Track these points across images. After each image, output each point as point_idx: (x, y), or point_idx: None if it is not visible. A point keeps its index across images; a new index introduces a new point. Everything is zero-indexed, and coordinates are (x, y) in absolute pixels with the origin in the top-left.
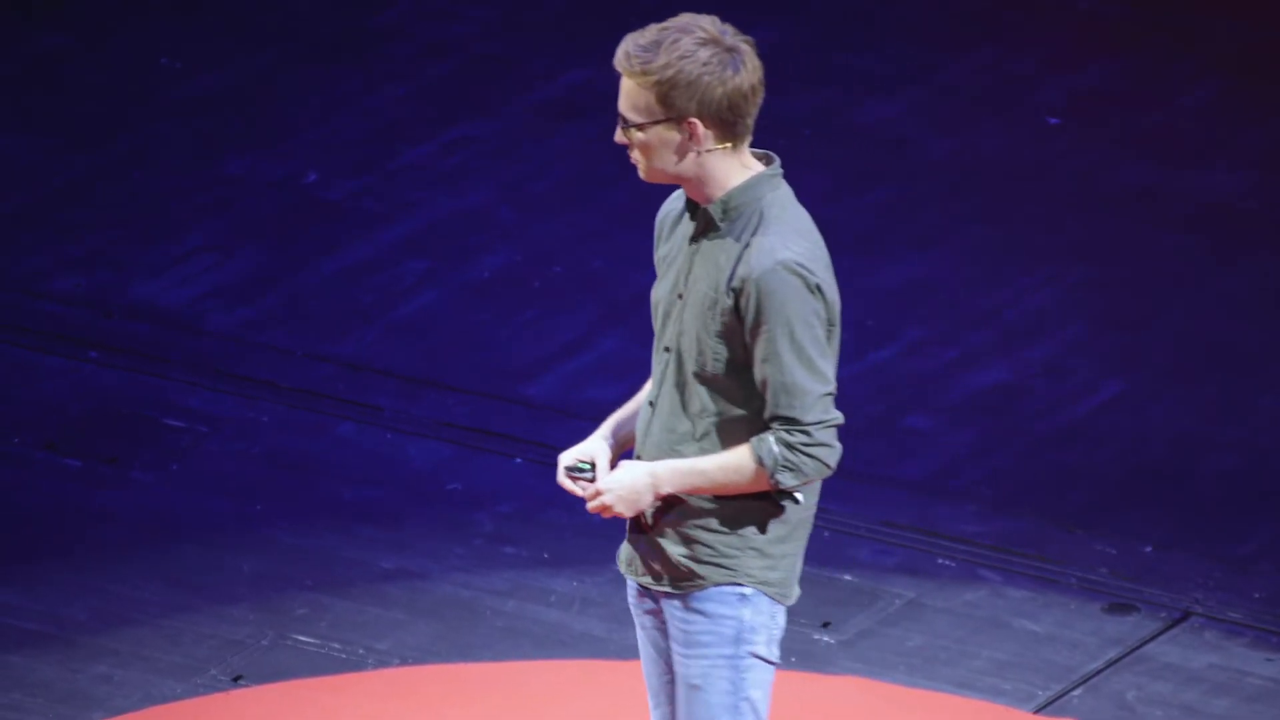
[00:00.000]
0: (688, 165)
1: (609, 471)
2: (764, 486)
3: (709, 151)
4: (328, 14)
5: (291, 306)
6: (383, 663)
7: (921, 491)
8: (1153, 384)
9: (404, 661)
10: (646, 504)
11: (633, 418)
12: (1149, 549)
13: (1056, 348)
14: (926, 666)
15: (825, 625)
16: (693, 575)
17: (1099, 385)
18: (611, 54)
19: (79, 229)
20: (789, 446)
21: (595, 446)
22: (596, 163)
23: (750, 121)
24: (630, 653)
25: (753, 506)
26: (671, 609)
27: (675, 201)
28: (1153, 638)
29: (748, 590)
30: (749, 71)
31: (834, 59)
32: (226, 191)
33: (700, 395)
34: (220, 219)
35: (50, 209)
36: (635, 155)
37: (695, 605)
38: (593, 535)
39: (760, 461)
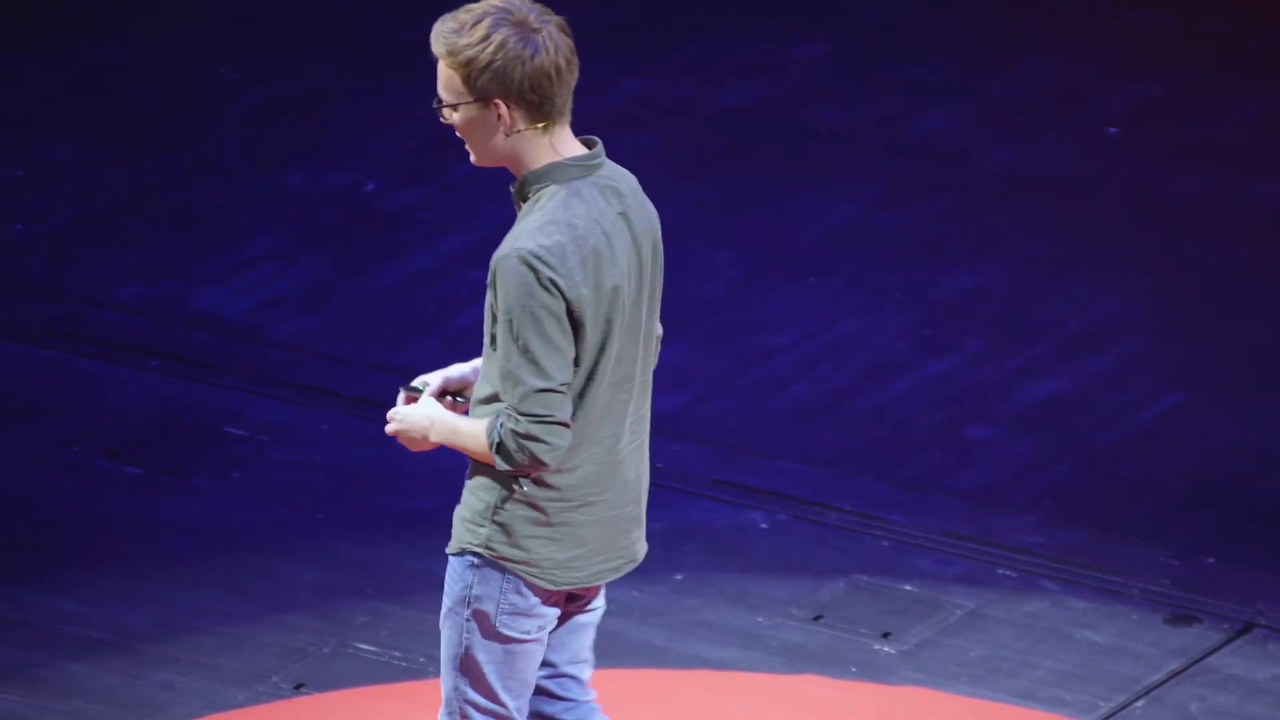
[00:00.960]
0: (504, 146)
1: (432, 389)
2: (490, 460)
3: (519, 133)
4: (386, 24)
5: (352, 316)
6: None
7: (982, 502)
8: (1214, 395)
9: None
10: (426, 447)
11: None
12: (1211, 560)
13: (1117, 358)
14: (988, 677)
15: (886, 635)
16: (454, 530)
17: (1160, 396)
18: (664, 64)
19: (140, 239)
20: (507, 430)
21: (450, 371)
22: (651, 174)
23: (560, 102)
24: (691, 662)
25: (494, 477)
26: None
27: None
28: (1216, 649)
29: (478, 560)
30: (551, 52)
31: (890, 70)
32: (286, 201)
33: (485, 369)
34: (280, 229)
35: (112, 219)
36: (463, 139)
37: (451, 557)
38: (653, 544)
39: (487, 435)
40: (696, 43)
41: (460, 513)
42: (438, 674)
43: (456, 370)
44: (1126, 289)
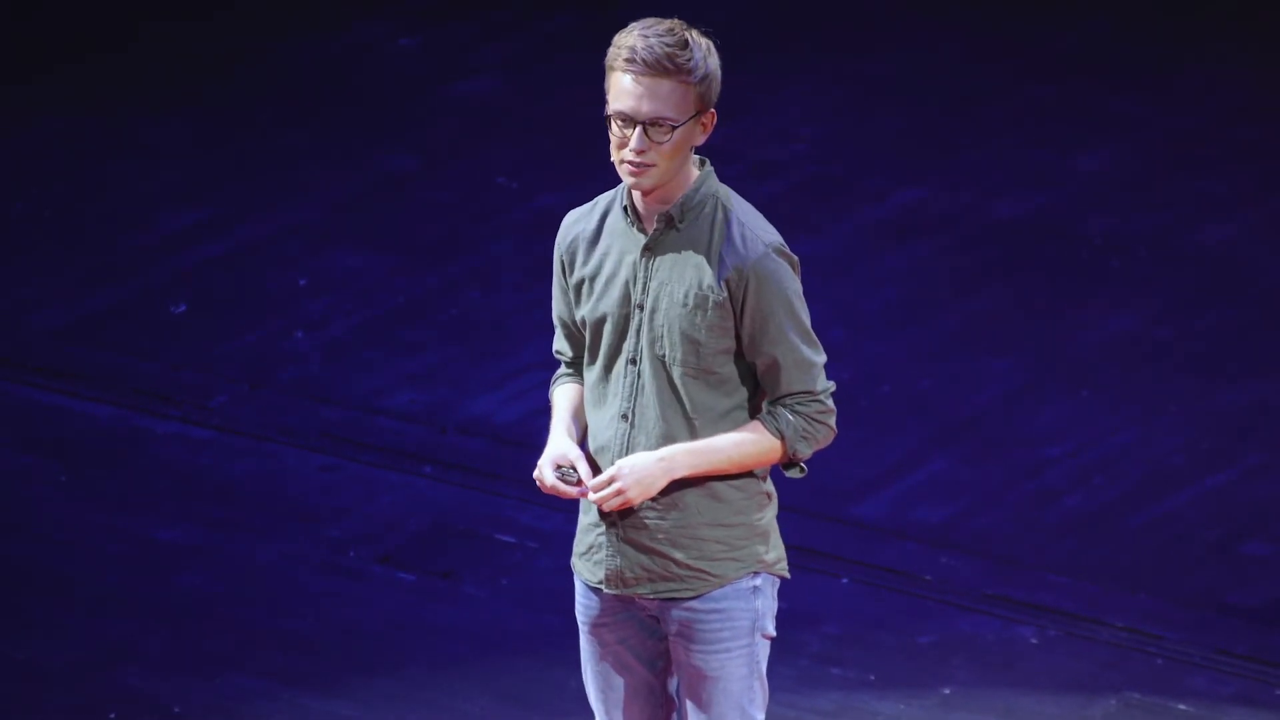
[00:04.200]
0: (685, 162)
1: (588, 470)
2: (775, 460)
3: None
4: None
5: None
6: None
7: (1259, 620)
8: None
9: None
10: (657, 489)
11: (577, 419)
12: None
13: None
14: None
15: None
16: (705, 574)
17: None
18: (943, 174)
19: (417, 347)
20: (805, 417)
21: (567, 449)
22: (927, 283)
23: None
24: None
25: (749, 491)
26: (677, 612)
27: (578, 224)
28: None
29: (758, 580)
30: None
31: (1172, 179)
32: None
33: (694, 395)
34: (553, 337)
35: (391, 326)
36: (652, 159)
37: (710, 600)
38: (921, 658)
39: (780, 435)
40: (973, 153)
41: (709, 551)
42: None
43: (569, 444)
44: None
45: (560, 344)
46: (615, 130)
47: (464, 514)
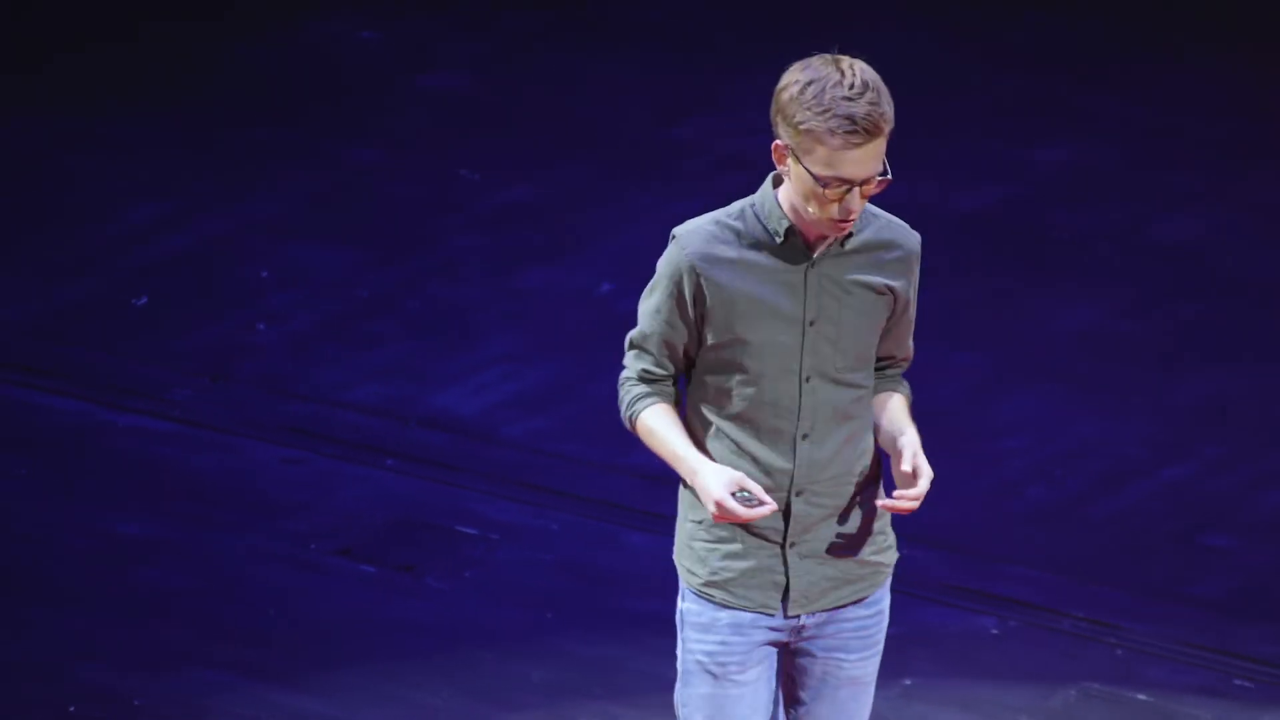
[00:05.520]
0: None
1: (758, 488)
2: None
3: None
4: (625, 128)
5: (585, 417)
6: None
7: (1220, 611)
8: None
9: None
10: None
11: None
12: None
13: None
14: None
15: None
16: (880, 568)
17: None
18: (910, 169)
19: (380, 340)
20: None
21: (730, 471)
22: None
23: None
24: None
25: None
26: (839, 620)
27: (709, 243)
28: None
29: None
30: None
31: (1137, 174)
32: (524, 302)
33: (857, 395)
34: (517, 330)
35: (354, 319)
36: (858, 207)
37: (873, 603)
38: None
39: (909, 397)
40: (937, 146)
41: (878, 542)
42: None
43: (726, 468)
44: None
45: (650, 365)
46: (826, 192)
47: (427, 507)
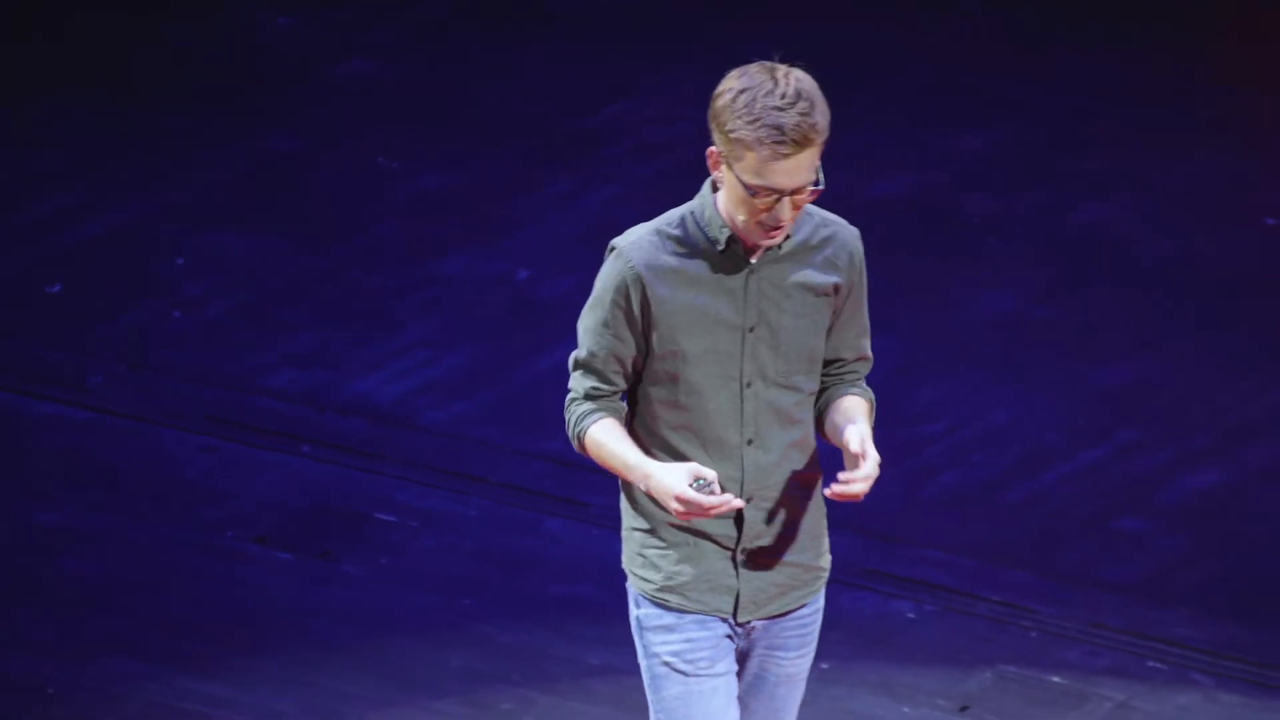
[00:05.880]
0: None
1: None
2: None
3: None
4: (542, 116)
5: (503, 403)
6: None
7: (1133, 594)
8: None
9: None
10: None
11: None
12: None
13: (1273, 451)
14: None
15: None
16: (821, 573)
17: None
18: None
19: (297, 327)
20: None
21: (682, 465)
22: None
23: None
24: None
25: (820, 472)
26: (788, 623)
27: (652, 254)
28: None
29: None
30: None
31: (1051, 160)
32: (442, 289)
33: (800, 399)
34: (435, 316)
35: (270, 307)
36: (791, 218)
37: (815, 603)
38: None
39: (871, 402)
40: (854, 132)
41: (821, 546)
42: None
43: (677, 465)
44: None
45: (597, 381)
46: (756, 201)
47: (345, 494)
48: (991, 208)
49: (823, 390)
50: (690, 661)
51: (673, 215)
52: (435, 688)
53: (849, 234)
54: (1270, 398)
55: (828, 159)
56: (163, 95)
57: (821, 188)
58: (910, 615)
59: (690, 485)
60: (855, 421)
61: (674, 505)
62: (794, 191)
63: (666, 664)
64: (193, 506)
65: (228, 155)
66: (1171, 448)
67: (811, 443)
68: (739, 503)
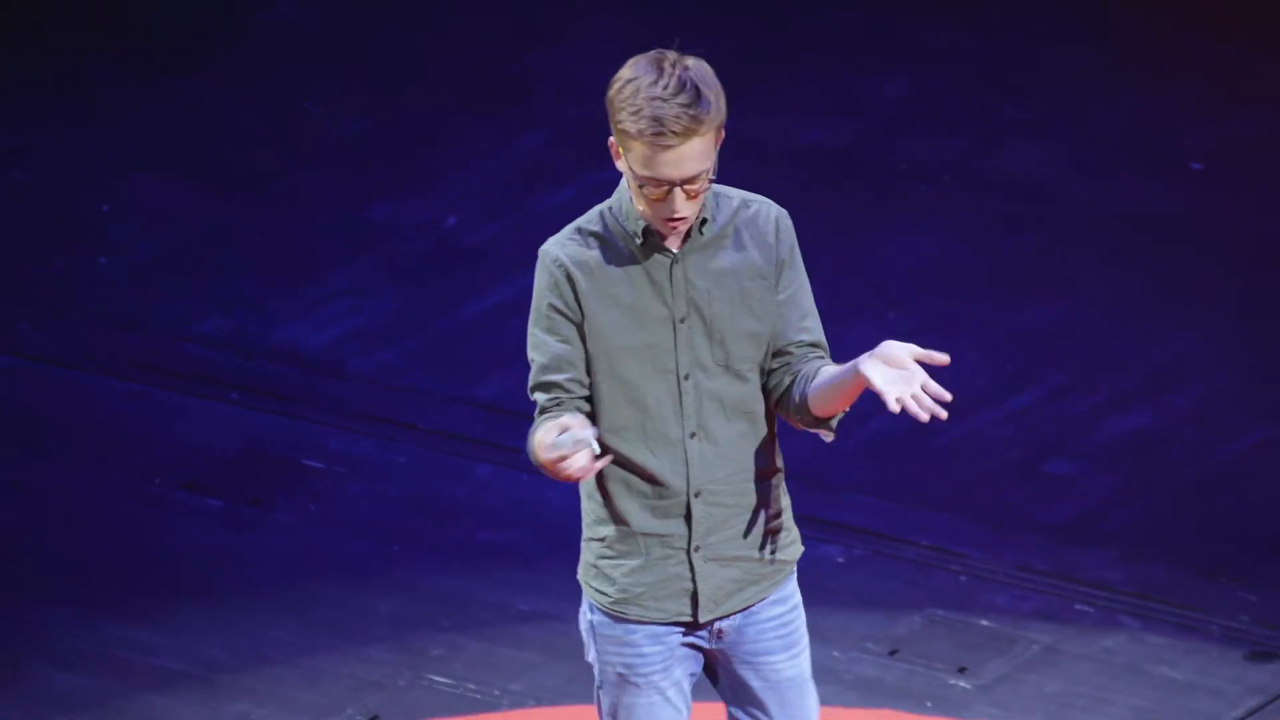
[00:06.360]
0: None
1: (584, 421)
2: None
3: None
4: (468, 61)
5: (431, 349)
6: (517, 703)
7: (1060, 537)
8: None
9: (538, 702)
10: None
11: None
12: None
13: (1200, 394)
14: (1064, 713)
15: (961, 670)
16: (783, 566)
17: (1244, 433)
18: (752, 103)
19: (223, 273)
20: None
21: (558, 421)
22: None
23: None
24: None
25: (780, 464)
26: (757, 622)
27: (576, 251)
28: None
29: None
30: None
31: (977, 105)
32: (368, 235)
33: (747, 389)
34: (362, 263)
35: (196, 253)
36: (690, 210)
37: (785, 599)
38: None
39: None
40: (779, 79)
41: (781, 540)
42: (511, 707)
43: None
44: (1212, 325)
45: (559, 394)
46: (646, 191)
47: (272, 440)
48: (917, 153)
49: (788, 383)
50: (644, 675)
51: (592, 213)
52: (364, 634)
53: (773, 211)
54: (1197, 340)
55: (752, 103)
56: (86, 40)
57: (714, 179)
58: (839, 560)
59: (560, 435)
60: (853, 362)
61: (546, 455)
62: (685, 182)
63: (620, 674)
64: (121, 453)
65: (152, 101)
66: (1098, 391)
67: (765, 432)
68: (592, 438)
